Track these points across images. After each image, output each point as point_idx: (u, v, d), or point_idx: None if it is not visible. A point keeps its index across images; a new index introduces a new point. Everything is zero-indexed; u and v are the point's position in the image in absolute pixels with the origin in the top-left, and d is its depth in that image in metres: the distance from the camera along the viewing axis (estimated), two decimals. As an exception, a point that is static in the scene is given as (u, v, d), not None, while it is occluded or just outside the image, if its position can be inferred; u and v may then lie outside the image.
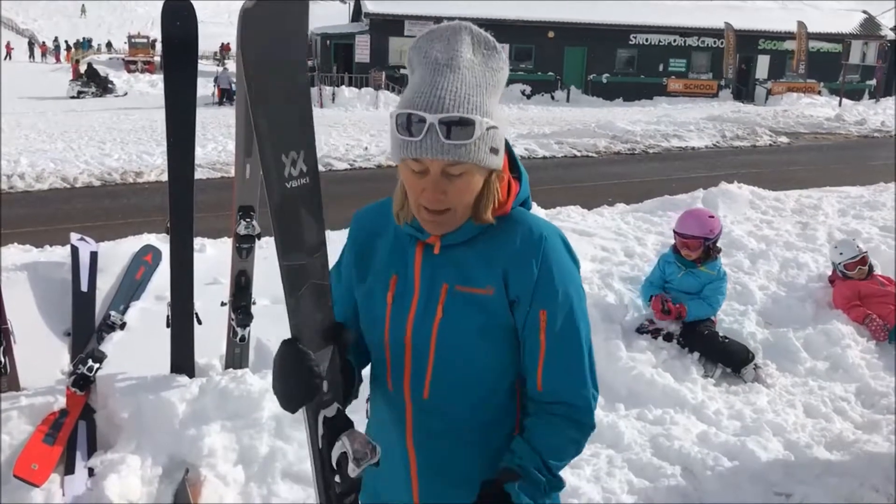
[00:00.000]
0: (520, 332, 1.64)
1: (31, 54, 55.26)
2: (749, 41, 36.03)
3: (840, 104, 29.96)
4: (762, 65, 37.25)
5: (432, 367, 1.65)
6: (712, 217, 5.36)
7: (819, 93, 34.50)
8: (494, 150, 1.55)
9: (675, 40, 36.49)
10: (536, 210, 1.70)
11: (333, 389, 1.64)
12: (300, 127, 1.54)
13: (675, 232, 5.38)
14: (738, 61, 35.30)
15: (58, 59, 54.15)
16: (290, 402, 1.57)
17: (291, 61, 1.52)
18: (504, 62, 1.58)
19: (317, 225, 1.60)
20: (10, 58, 53.71)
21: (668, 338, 5.15)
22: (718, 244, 5.38)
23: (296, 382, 1.55)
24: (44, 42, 58.78)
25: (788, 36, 36.03)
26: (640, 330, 5.25)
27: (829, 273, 6.04)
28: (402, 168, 1.57)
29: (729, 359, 4.94)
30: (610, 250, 7.06)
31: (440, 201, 1.53)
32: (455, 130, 1.46)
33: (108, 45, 46.69)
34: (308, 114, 1.56)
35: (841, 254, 5.89)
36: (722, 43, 35.04)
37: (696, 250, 5.22)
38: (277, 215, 1.55)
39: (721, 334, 5.14)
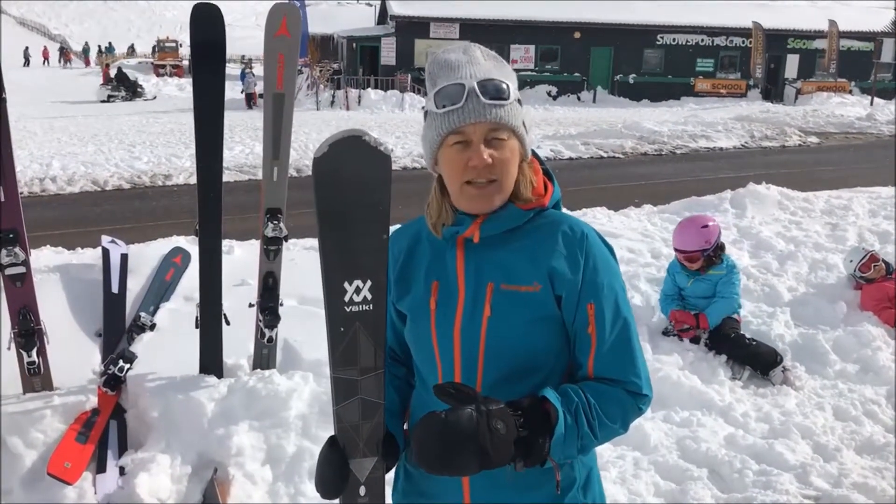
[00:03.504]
0: (569, 326, 1.68)
1: (60, 59, 55.95)
2: (778, 40, 35.60)
3: (871, 103, 29.47)
4: (791, 64, 36.76)
5: (483, 362, 1.67)
6: (706, 226, 5.31)
7: (850, 92, 33.98)
8: (526, 128, 1.66)
9: (702, 40, 36.16)
10: (564, 211, 1.74)
11: (373, 495, 1.73)
12: (369, 258, 1.60)
13: (674, 247, 5.38)
14: (766, 60, 34.89)
15: (87, 64, 54.86)
16: (320, 493, 1.72)
17: (367, 204, 1.57)
18: (512, 73, 1.70)
19: (373, 348, 1.65)
20: (48, 63, 54.56)
21: (695, 340, 5.12)
22: (721, 242, 5.36)
23: (323, 480, 1.71)
24: (67, 49, 59.38)
25: (818, 34, 35.56)
26: (667, 332, 5.23)
27: (853, 284, 5.98)
28: (444, 155, 1.64)
29: (757, 361, 4.90)
30: (636, 251, 7.03)
31: (487, 167, 1.59)
32: (492, 92, 1.59)
33: (159, 47, 46.30)
34: (383, 249, 1.61)
35: (851, 261, 5.98)
36: (750, 42, 34.65)
37: (698, 262, 5.23)
38: (331, 331, 1.63)
39: (749, 336, 5.10)
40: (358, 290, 1.60)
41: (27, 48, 56.25)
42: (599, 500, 1.83)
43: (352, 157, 1.51)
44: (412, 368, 1.87)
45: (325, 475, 1.69)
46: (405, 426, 1.87)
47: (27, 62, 53.81)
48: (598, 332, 1.65)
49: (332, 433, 1.73)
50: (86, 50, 58.57)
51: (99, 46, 57.91)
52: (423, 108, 1.70)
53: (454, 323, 1.69)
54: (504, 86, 1.60)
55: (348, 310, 1.61)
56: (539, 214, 1.71)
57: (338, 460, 1.69)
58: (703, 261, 5.23)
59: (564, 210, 1.80)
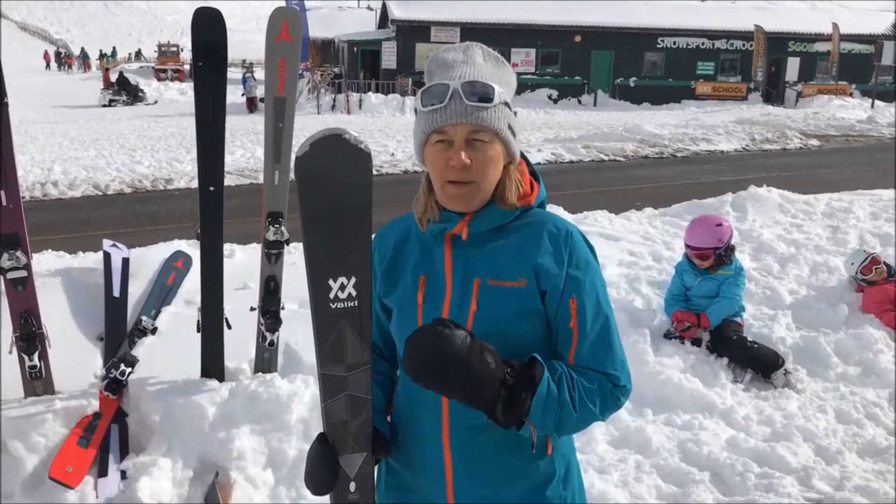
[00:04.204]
0: (552, 320, 1.72)
1: (59, 64, 55.81)
2: (778, 43, 35.62)
3: (872, 106, 29.51)
4: (792, 67, 36.78)
5: None
6: (720, 225, 5.33)
7: (851, 95, 33.97)
8: (512, 131, 1.68)
9: (703, 43, 36.19)
10: (562, 213, 1.73)
11: (362, 490, 1.74)
12: (353, 255, 1.62)
13: (685, 244, 5.38)
14: (767, 63, 34.90)
15: (87, 69, 54.87)
16: (310, 490, 1.73)
17: (350, 202, 1.59)
18: (512, 73, 1.74)
19: (360, 344, 1.67)
20: (50, 67, 54.65)
21: (697, 343, 5.12)
22: (732, 244, 5.37)
23: (312, 477, 1.72)
24: (68, 54, 59.30)
25: (819, 37, 35.58)
26: (668, 335, 5.22)
27: (855, 286, 5.98)
28: (428, 153, 1.68)
29: (758, 364, 4.90)
30: (637, 255, 7.03)
31: (465, 168, 1.63)
32: (476, 93, 1.62)
33: (160, 51, 46.67)
34: (366, 246, 1.63)
35: (852, 264, 5.98)
36: (751, 45, 34.66)
37: (708, 259, 5.23)
38: (317, 328, 1.65)
39: (750, 339, 5.10)
40: (343, 287, 1.63)
41: (58, 51, 56.71)
42: (579, 493, 1.86)
43: (333, 155, 1.54)
44: (395, 364, 1.90)
45: (316, 472, 1.71)
46: (388, 419, 1.90)
47: (60, 66, 54.19)
48: (579, 327, 1.69)
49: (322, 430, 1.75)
50: (84, 55, 58.55)
51: (100, 51, 57.92)
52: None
53: (441, 316, 1.71)
54: (490, 89, 1.62)
55: (334, 307, 1.63)
56: (525, 213, 1.75)
57: (327, 457, 1.70)
58: (713, 259, 5.23)
59: (564, 212, 1.82)
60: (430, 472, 1.78)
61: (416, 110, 1.71)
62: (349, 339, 1.65)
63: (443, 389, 1.56)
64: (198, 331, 4.07)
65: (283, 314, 4.18)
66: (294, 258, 5.93)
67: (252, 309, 4.23)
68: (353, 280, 1.63)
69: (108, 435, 3.78)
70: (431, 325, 1.54)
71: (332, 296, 1.62)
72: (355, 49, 35.58)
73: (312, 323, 1.64)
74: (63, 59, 56.70)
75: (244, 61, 46.37)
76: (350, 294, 1.63)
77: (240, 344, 4.32)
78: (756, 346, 5.01)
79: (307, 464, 1.73)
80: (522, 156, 1.79)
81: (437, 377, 1.53)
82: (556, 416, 1.62)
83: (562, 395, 1.62)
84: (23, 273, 3.73)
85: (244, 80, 29.16)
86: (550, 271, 1.68)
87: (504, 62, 1.74)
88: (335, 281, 1.62)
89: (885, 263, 5.87)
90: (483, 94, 1.61)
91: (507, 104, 1.67)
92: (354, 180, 1.57)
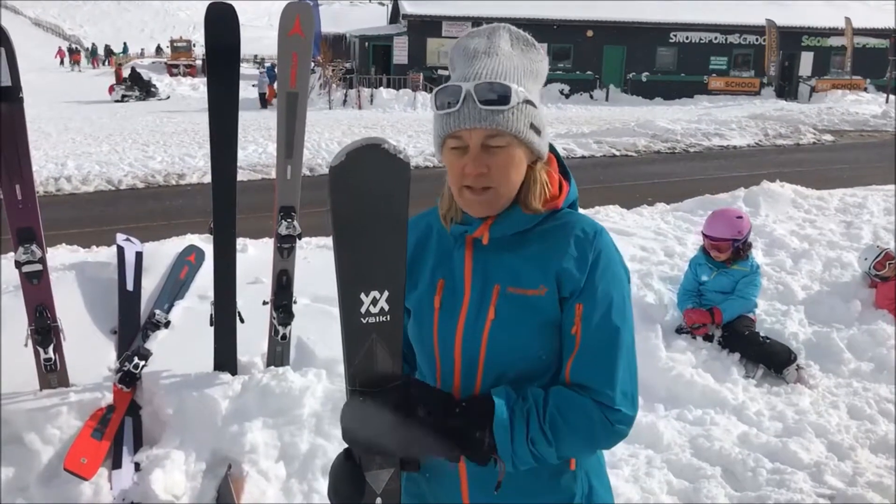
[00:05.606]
0: (562, 326, 1.61)
1: (70, 61, 55.47)
2: (792, 38, 35.40)
3: (887, 101, 29.27)
4: (806, 62, 36.55)
5: (483, 367, 1.63)
6: (740, 217, 5.32)
7: (865, 89, 33.72)
8: (535, 129, 1.56)
9: (716, 38, 36.00)
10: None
11: None
12: (387, 269, 1.54)
13: (703, 234, 5.35)
14: (780, 58, 34.68)
15: (95, 65, 54.81)
16: None
17: (385, 214, 1.50)
18: (543, 57, 1.61)
19: (391, 361, 1.59)
20: (64, 63, 54.69)
21: (709, 338, 5.11)
22: (750, 240, 5.35)
23: (337, 494, 1.64)
24: (77, 50, 59.01)
25: (833, 32, 35.34)
26: (680, 330, 5.21)
27: (868, 282, 5.95)
28: (445, 156, 1.58)
29: (770, 359, 4.88)
30: (649, 250, 7.02)
31: (481, 176, 1.52)
32: (490, 96, 1.49)
33: (173, 47, 46.50)
34: (400, 259, 1.55)
35: (865, 259, 5.95)
36: (764, 40, 34.45)
37: (726, 252, 5.20)
38: (347, 344, 1.58)
39: (762, 334, 5.08)
40: (375, 302, 1.55)
41: (71, 48, 56.73)
42: None
43: (370, 166, 1.44)
44: (415, 366, 1.82)
45: (341, 489, 1.63)
46: None
47: (72, 64, 54.24)
48: (582, 335, 1.57)
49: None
50: (94, 51, 58.51)
51: (107, 46, 57.81)
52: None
53: (457, 325, 1.64)
54: (507, 88, 1.50)
55: (364, 321, 1.56)
56: (552, 216, 1.64)
57: (353, 473, 1.63)
58: (730, 252, 5.21)
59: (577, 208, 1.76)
60: (447, 488, 1.73)
61: (432, 97, 1.60)
62: (380, 355, 1.58)
63: (382, 453, 1.57)
64: (211, 325, 4.10)
65: (295, 308, 4.20)
66: (306, 253, 5.97)
67: (264, 303, 4.25)
68: (386, 294, 1.54)
69: (122, 427, 3.82)
70: (354, 399, 1.54)
71: (363, 310, 1.54)
72: (367, 44, 35.59)
73: (342, 338, 1.57)
74: (71, 57, 56.19)
75: (255, 57, 46.43)
76: (382, 308, 1.55)
77: (252, 338, 4.34)
78: (768, 341, 4.99)
79: (331, 479, 1.67)
80: (554, 150, 1.68)
81: (365, 445, 1.55)
82: (529, 450, 1.54)
83: (531, 428, 1.52)
84: (38, 267, 3.76)
85: (269, 75, 29.02)
86: (573, 276, 1.57)
87: (534, 45, 1.61)
88: (367, 295, 1.54)
89: (899, 259, 5.84)
90: (499, 96, 1.49)
91: (528, 102, 1.53)
92: (391, 191, 1.48)
